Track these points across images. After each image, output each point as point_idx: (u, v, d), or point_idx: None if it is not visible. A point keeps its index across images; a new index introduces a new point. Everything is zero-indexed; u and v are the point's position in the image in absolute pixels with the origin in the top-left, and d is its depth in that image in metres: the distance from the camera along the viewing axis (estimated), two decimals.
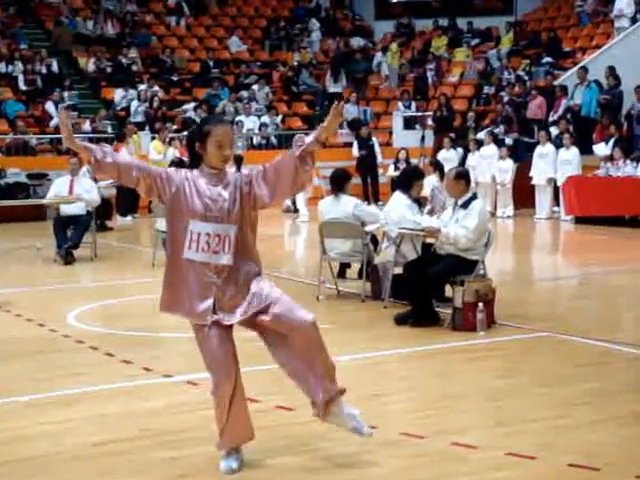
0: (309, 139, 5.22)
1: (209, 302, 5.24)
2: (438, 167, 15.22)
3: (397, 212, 10.33)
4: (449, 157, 20.02)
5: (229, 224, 5.21)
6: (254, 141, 25.76)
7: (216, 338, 5.28)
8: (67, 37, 27.53)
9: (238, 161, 18.21)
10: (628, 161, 18.13)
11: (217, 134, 5.19)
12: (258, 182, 5.26)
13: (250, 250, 5.34)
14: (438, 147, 21.96)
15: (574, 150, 19.16)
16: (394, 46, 29.37)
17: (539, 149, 19.76)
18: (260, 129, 25.69)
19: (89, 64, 26.97)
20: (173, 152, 20.71)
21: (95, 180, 16.31)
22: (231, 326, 5.34)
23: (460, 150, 21.06)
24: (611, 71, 21.43)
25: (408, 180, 10.62)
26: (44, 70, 25.89)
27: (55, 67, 26.25)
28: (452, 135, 22.13)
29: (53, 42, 27.42)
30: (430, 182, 16.95)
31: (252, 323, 5.38)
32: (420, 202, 10.78)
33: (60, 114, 4.96)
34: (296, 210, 21.67)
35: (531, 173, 19.77)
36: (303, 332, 5.30)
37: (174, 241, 5.30)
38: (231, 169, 5.43)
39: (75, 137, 5.18)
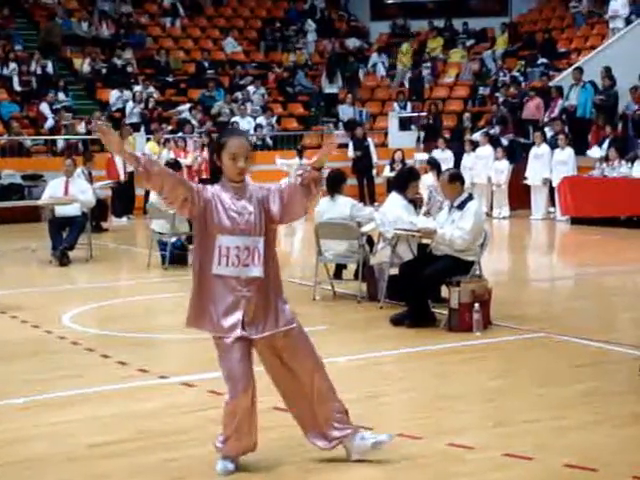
0: (307, 169, 5.28)
1: (238, 316, 5.23)
2: (435, 166, 15.24)
3: (393, 213, 10.31)
4: (443, 158, 20.03)
5: (257, 236, 5.25)
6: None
7: (238, 352, 5.25)
8: (57, 31, 27.43)
9: None
10: (623, 162, 18.14)
11: (231, 146, 5.21)
12: (274, 199, 5.30)
13: (275, 263, 5.38)
14: (428, 152, 21.91)
15: (569, 151, 19.16)
16: (405, 46, 28.99)
17: (534, 150, 19.77)
18: (256, 130, 25.67)
19: (84, 65, 26.92)
20: (167, 153, 20.65)
21: (90, 181, 16.33)
22: (252, 340, 5.32)
23: (449, 152, 21.00)
24: (607, 72, 21.45)
25: (404, 181, 10.60)
26: (39, 71, 25.83)
27: (50, 68, 26.20)
28: (446, 136, 22.13)
29: (42, 36, 27.29)
30: (427, 181, 17.02)
31: (266, 341, 5.35)
32: (416, 203, 10.78)
33: (97, 126, 4.91)
34: None
35: (526, 174, 19.77)
36: (313, 378, 5.37)
37: (202, 257, 5.28)
38: (250, 181, 5.44)
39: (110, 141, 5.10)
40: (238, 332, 5.22)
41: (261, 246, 5.26)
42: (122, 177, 20.59)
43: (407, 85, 27.79)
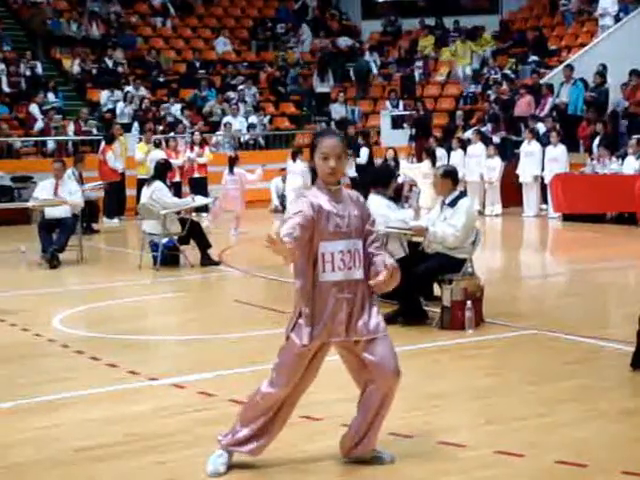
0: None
1: (341, 319, 5.20)
2: (430, 154, 15.22)
3: (378, 214, 10.23)
4: (437, 156, 20.01)
5: (356, 239, 5.22)
6: (242, 142, 25.69)
7: (309, 355, 5.26)
8: (40, 18, 27.37)
9: (232, 161, 18.17)
10: (613, 158, 18.15)
11: (323, 146, 5.16)
12: (368, 218, 5.33)
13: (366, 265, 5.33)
14: (418, 150, 21.88)
15: (561, 147, 19.16)
16: (467, 44, 28.46)
17: (525, 147, 19.78)
18: (248, 130, 25.63)
19: (74, 66, 26.86)
20: (158, 154, 20.52)
21: (81, 182, 16.27)
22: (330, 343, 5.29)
23: (441, 150, 20.97)
24: (603, 68, 21.51)
25: (385, 181, 10.43)
26: (28, 72, 25.76)
27: (39, 69, 26.14)
28: (437, 135, 22.10)
29: (26, 19, 27.26)
30: (423, 169, 16.99)
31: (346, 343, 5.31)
32: (395, 198, 10.70)
33: (268, 238, 4.99)
34: (284, 209, 21.66)
35: (517, 171, 19.77)
36: (389, 384, 5.28)
37: (306, 269, 5.19)
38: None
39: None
40: (343, 335, 5.20)
41: (360, 248, 5.24)
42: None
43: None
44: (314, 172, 5.31)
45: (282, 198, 22.14)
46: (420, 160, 18.85)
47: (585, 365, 7.61)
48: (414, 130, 24.24)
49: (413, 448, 5.65)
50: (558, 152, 19.12)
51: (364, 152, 22.05)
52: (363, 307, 5.26)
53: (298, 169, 20.78)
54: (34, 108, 24.08)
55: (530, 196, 19.77)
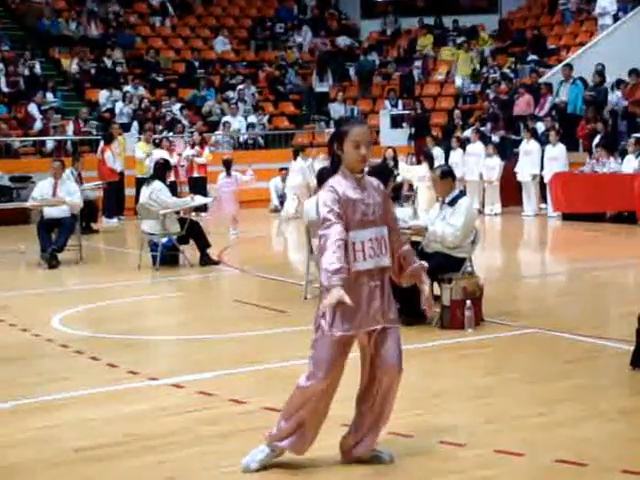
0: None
1: (377, 306, 5.23)
2: (428, 157, 15.19)
3: None
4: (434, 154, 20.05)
5: (382, 226, 5.27)
6: (241, 141, 25.69)
7: (348, 344, 5.25)
8: (33, 14, 27.37)
9: (227, 164, 18.19)
10: (612, 157, 18.15)
11: (354, 134, 5.18)
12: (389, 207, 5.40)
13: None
14: (418, 149, 21.88)
15: (560, 147, 19.17)
16: (468, 54, 27.61)
17: (523, 146, 19.81)
18: (247, 129, 25.64)
19: (72, 65, 26.84)
20: (160, 153, 20.51)
21: (79, 182, 16.27)
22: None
23: (439, 149, 20.96)
24: (602, 68, 21.52)
25: (383, 179, 10.41)
26: (27, 72, 25.74)
27: (38, 69, 26.13)
28: (434, 133, 22.10)
29: (20, 15, 27.25)
30: (420, 172, 17.01)
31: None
32: (393, 197, 10.69)
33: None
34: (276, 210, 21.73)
35: (516, 169, 19.78)
36: (391, 379, 5.32)
37: None
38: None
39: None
40: (382, 321, 5.23)
41: (386, 234, 5.28)
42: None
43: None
44: (334, 161, 5.32)
45: (282, 198, 22.16)
46: (419, 160, 18.84)
47: (584, 364, 7.61)
48: (413, 129, 24.25)
49: (413, 447, 5.65)
50: (557, 151, 19.13)
51: None
52: (390, 294, 5.32)
53: (297, 167, 20.84)
54: (33, 108, 24.07)
55: (529, 195, 19.78)
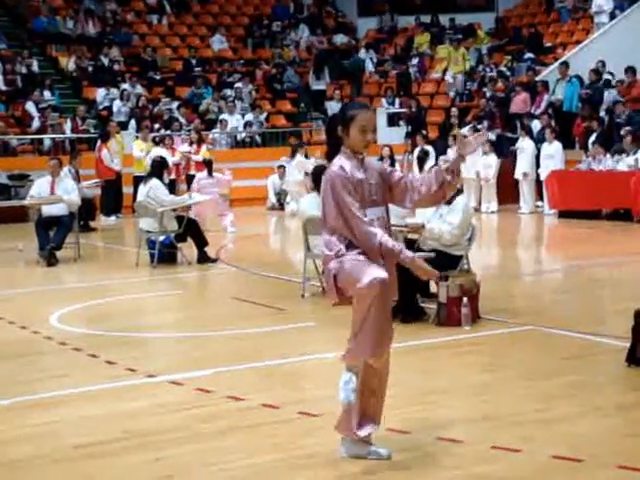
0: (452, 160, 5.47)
1: (393, 281, 5.34)
2: (420, 160, 15.23)
3: None
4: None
5: (383, 205, 5.38)
6: (238, 139, 25.71)
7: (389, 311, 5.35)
8: (25, 5, 27.39)
9: (209, 165, 18.33)
10: (609, 155, 18.20)
11: (362, 119, 5.28)
12: (393, 179, 5.41)
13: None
14: (414, 148, 21.89)
15: (557, 144, 19.22)
16: (459, 51, 27.47)
17: (519, 144, 19.88)
18: (244, 127, 25.66)
19: (70, 63, 26.85)
20: (158, 151, 20.51)
21: (77, 180, 16.29)
22: None
23: (429, 148, 20.96)
24: (601, 65, 21.58)
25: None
26: (24, 70, 25.74)
27: (35, 67, 26.13)
28: (423, 132, 22.10)
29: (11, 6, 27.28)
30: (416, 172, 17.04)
31: None
32: None
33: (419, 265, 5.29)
34: (281, 207, 21.73)
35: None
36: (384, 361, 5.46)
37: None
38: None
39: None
40: (396, 296, 5.46)
41: (386, 215, 5.39)
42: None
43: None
44: (334, 145, 5.37)
45: (279, 195, 22.20)
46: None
47: (581, 361, 7.64)
48: (410, 127, 24.27)
49: (410, 443, 5.67)
50: (553, 149, 19.18)
51: None
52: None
53: (295, 163, 20.95)
54: (30, 106, 24.07)
55: (525, 192, 19.83)
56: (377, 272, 5.14)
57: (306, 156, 21.05)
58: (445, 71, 27.92)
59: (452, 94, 25.76)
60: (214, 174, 18.07)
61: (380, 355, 5.31)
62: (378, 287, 5.12)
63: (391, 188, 5.41)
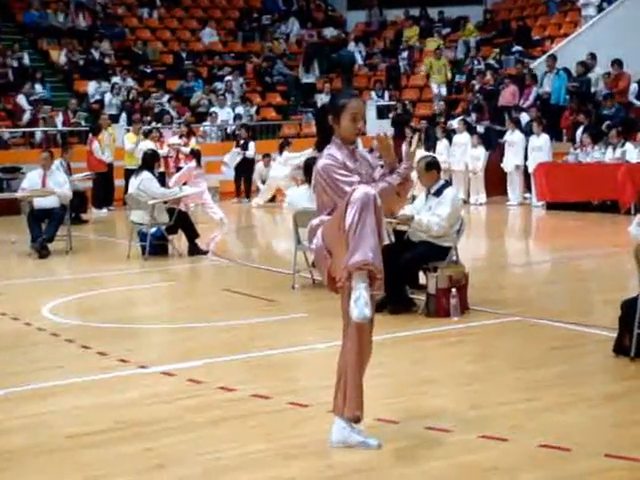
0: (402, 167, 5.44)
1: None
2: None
3: None
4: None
5: None
6: (229, 132, 25.71)
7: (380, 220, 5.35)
8: None
9: (197, 155, 18.41)
10: (596, 147, 18.29)
11: (352, 107, 5.32)
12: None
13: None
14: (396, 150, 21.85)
15: (544, 137, 19.31)
16: (441, 61, 26.75)
17: (508, 137, 19.96)
18: (235, 120, 25.67)
19: (61, 57, 26.81)
20: (148, 144, 20.51)
21: (69, 173, 16.31)
22: None
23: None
24: (590, 58, 21.64)
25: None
26: (15, 63, 25.70)
27: (26, 60, 26.08)
28: (412, 125, 22.09)
29: None
30: None
31: None
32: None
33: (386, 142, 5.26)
34: (272, 200, 21.81)
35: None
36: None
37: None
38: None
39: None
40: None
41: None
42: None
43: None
44: (324, 134, 5.41)
45: (264, 183, 22.25)
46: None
47: (569, 351, 7.69)
48: (393, 129, 24.13)
49: (399, 433, 5.72)
50: (541, 141, 19.27)
51: None
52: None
53: (283, 160, 21.08)
54: (22, 99, 24.05)
55: (513, 185, 19.93)
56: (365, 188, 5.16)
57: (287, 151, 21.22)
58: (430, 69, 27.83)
59: (436, 106, 25.45)
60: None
61: (379, 262, 5.15)
62: (366, 195, 5.08)
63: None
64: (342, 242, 5.13)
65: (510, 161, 19.76)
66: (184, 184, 16.16)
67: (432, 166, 9.51)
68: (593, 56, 21.80)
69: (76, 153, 19.98)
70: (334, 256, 5.26)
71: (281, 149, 21.49)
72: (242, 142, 22.49)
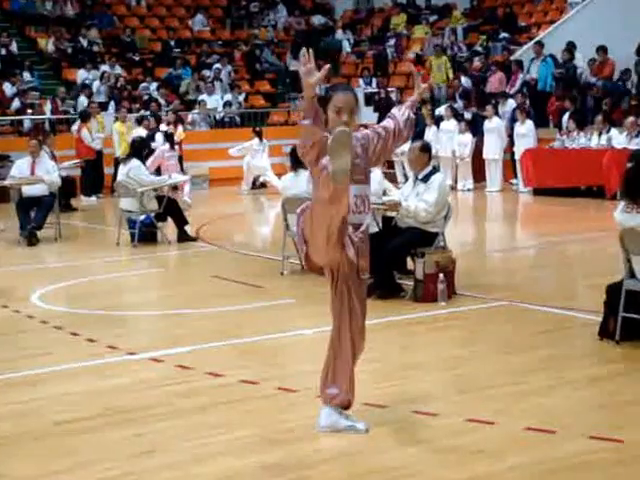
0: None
1: (367, 256, 5.46)
2: None
3: None
4: None
5: (365, 184, 5.46)
6: (217, 119, 25.68)
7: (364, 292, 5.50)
8: None
9: (170, 138, 18.75)
10: (582, 133, 18.37)
11: (337, 100, 5.36)
12: (375, 145, 5.55)
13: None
14: None
15: (529, 123, 19.39)
16: (441, 59, 25.67)
17: (487, 124, 20.01)
18: (223, 108, 25.63)
19: (49, 45, 26.70)
20: (139, 131, 20.46)
21: (55, 160, 16.27)
22: None
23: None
24: (570, 45, 21.65)
25: None
26: (3, 52, 25.58)
27: (14, 48, 25.99)
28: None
29: None
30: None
31: None
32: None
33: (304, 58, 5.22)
34: (262, 186, 21.80)
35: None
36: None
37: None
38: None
39: None
40: (367, 273, 5.51)
41: (369, 193, 5.48)
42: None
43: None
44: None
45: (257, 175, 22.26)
46: None
47: (555, 335, 7.77)
48: (377, 115, 24.13)
49: (387, 417, 5.78)
50: (526, 128, 19.35)
51: None
52: (367, 252, 5.48)
53: (262, 147, 21.26)
54: (10, 87, 23.96)
55: (492, 171, 20.02)
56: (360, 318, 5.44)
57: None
58: (421, 51, 27.81)
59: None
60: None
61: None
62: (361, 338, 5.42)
63: (385, 144, 5.56)
64: (316, 232, 5.18)
65: (489, 148, 19.86)
66: (158, 168, 16.35)
67: (425, 149, 9.54)
68: (573, 45, 21.77)
69: (60, 141, 19.92)
70: (309, 245, 5.32)
71: (259, 136, 21.42)
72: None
